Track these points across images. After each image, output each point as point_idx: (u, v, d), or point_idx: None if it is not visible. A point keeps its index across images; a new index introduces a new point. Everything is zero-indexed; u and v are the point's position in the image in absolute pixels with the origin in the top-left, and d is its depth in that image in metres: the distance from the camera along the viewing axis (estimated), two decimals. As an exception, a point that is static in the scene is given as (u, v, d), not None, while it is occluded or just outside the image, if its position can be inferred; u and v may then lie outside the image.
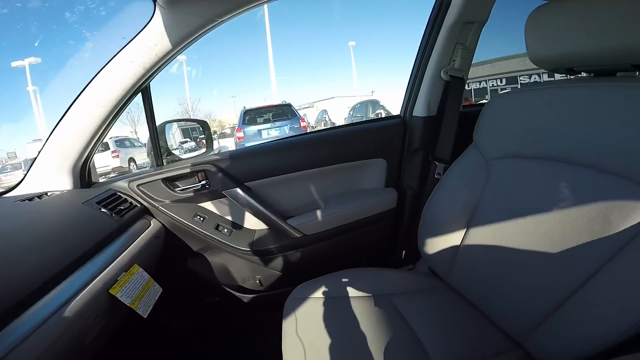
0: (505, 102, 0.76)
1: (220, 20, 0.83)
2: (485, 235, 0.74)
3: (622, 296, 0.49)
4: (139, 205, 0.97)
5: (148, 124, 1.01)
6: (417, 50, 1.06)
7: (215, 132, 12.99)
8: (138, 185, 0.98)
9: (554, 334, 0.56)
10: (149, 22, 0.80)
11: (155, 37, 0.81)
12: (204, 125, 1.35)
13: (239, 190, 0.98)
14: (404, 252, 1.21)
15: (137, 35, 0.82)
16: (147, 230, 0.90)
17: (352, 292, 0.83)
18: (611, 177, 0.53)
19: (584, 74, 0.66)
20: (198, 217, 1.03)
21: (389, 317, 0.74)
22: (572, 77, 0.70)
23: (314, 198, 1.11)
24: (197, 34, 0.84)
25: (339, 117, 12.75)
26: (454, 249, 0.81)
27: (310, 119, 12.22)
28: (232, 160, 1.01)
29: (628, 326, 0.47)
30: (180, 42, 0.84)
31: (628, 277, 0.49)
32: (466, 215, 0.78)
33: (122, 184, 0.98)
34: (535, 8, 0.65)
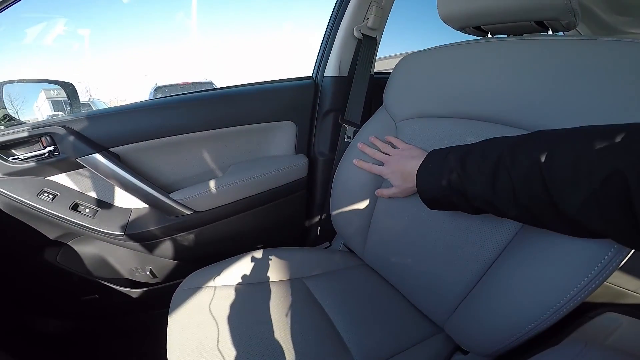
0: (414, 62, 0.70)
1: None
2: (392, 203, 0.67)
3: (526, 282, 0.43)
4: None
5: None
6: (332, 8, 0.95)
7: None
8: None
9: (470, 319, 0.51)
10: None
11: None
12: (67, 87, 1.05)
13: (99, 157, 0.74)
14: (319, 228, 1.12)
15: None
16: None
17: (253, 277, 0.70)
18: (516, 131, 0.49)
19: (489, 35, 0.62)
20: (45, 194, 0.77)
21: (300, 304, 0.63)
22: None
23: (209, 167, 0.91)
24: None
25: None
26: (366, 221, 0.73)
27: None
28: (92, 120, 0.75)
29: (538, 318, 0.42)
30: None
31: (530, 259, 0.43)
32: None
33: None
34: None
